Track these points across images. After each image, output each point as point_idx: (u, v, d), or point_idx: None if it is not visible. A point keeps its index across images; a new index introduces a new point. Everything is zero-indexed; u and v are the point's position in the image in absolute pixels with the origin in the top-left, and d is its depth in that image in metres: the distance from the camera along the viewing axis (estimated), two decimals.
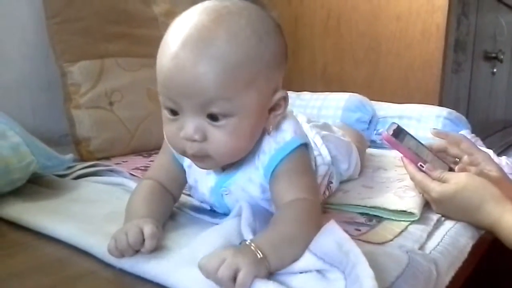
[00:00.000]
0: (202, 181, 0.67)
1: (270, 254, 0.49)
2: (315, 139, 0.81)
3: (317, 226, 0.54)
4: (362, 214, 0.75)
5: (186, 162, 0.67)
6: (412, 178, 0.81)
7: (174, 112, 0.57)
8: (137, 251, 0.54)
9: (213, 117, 0.55)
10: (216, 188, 0.65)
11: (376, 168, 1.01)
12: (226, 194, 0.65)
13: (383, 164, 1.04)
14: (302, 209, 0.57)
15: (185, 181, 0.70)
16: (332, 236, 0.51)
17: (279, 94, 0.60)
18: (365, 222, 0.72)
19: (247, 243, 0.50)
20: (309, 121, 0.86)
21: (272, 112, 0.60)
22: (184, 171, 0.68)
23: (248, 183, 0.64)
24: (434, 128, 0.92)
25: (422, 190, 0.79)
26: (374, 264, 0.48)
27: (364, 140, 1.12)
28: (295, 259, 0.50)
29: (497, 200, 0.72)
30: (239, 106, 0.55)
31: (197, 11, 0.56)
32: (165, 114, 0.58)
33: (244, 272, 0.45)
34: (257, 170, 0.63)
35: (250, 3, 0.59)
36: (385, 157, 1.12)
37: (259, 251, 0.48)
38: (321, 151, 0.79)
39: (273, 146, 0.61)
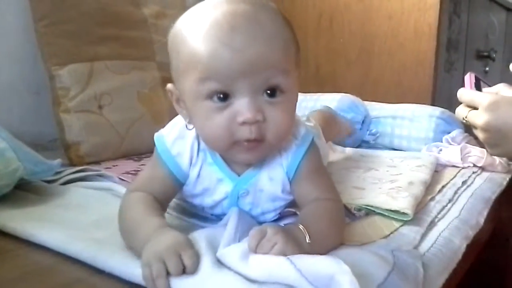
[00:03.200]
0: (216, 188, 0.64)
1: (313, 242, 0.53)
2: None
3: (343, 226, 0.62)
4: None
5: (194, 172, 0.63)
6: (462, 95, 0.80)
7: (223, 97, 0.55)
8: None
9: (271, 93, 0.55)
10: (234, 192, 0.63)
11: (368, 169, 1.00)
12: (244, 196, 0.63)
13: (375, 165, 1.03)
14: (331, 208, 0.61)
15: (175, 195, 0.66)
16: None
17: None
18: (352, 210, 0.72)
19: (300, 227, 0.53)
20: None
21: None
22: (181, 185, 0.64)
23: (269, 182, 0.63)
24: None
25: (471, 103, 0.77)
26: (360, 264, 0.47)
27: (330, 115, 1.15)
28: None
29: None
30: (291, 83, 0.57)
31: (222, 3, 0.56)
32: (209, 105, 0.55)
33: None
34: (281, 167, 0.63)
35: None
36: (377, 157, 1.12)
37: (307, 237, 0.52)
38: None
39: (292, 140, 0.62)
